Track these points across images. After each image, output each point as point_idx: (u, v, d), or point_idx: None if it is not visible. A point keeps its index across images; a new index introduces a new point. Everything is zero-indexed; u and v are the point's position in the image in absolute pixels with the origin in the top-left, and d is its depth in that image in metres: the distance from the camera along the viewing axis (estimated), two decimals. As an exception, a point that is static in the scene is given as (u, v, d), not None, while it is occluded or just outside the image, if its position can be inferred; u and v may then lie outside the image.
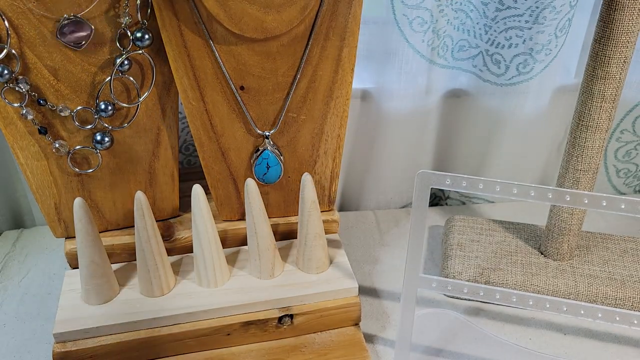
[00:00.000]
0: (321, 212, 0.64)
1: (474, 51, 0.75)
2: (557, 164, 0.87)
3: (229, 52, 0.54)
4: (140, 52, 0.53)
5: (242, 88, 0.56)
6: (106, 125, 0.55)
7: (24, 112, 0.52)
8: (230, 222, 0.64)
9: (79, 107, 0.54)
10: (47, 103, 0.52)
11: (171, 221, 0.65)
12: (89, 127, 0.55)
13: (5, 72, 0.50)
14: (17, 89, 0.51)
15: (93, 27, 0.51)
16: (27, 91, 0.51)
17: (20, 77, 0.51)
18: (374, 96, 0.77)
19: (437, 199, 0.90)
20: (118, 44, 0.52)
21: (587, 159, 0.63)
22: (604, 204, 0.46)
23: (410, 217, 0.63)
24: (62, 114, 0.53)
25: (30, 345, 0.62)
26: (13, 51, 0.50)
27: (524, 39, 0.71)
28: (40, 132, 0.54)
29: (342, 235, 0.79)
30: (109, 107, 0.54)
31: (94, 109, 0.54)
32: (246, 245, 0.61)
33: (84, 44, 0.51)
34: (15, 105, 0.52)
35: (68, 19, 0.50)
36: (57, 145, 0.55)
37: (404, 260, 0.53)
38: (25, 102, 0.52)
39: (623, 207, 0.46)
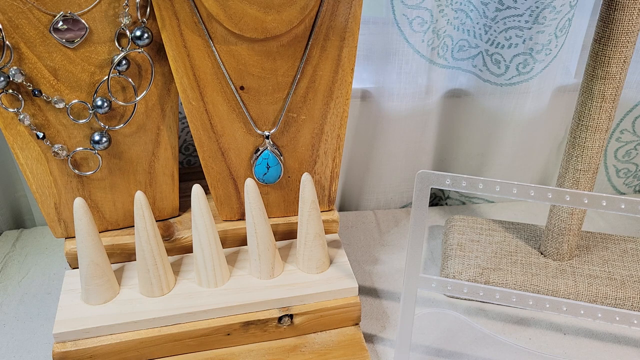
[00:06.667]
0: (321, 212, 0.64)
1: (474, 51, 0.75)
2: (557, 164, 0.87)
3: (229, 52, 0.54)
4: (140, 50, 0.53)
5: (242, 88, 0.56)
6: (103, 124, 0.56)
7: (21, 117, 0.53)
8: (230, 222, 0.64)
9: (74, 101, 0.54)
10: (42, 94, 0.52)
11: (171, 221, 0.65)
12: (84, 121, 0.55)
13: (2, 78, 0.50)
14: (14, 79, 0.51)
15: (88, 26, 0.51)
16: (23, 81, 0.51)
17: (15, 68, 0.51)
18: (374, 96, 0.77)
19: (437, 199, 0.90)
20: (117, 44, 0.52)
21: (587, 159, 0.63)
22: (604, 204, 0.46)
23: (410, 217, 0.63)
24: (57, 105, 0.53)
25: (30, 345, 0.62)
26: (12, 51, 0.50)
27: (524, 39, 0.71)
28: (38, 138, 0.54)
29: (342, 235, 0.79)
30: (105, 104, 0.54)
31: (90, 104, 0.54)
32: (246, 245, 0.61)
33: (78, 41, 0.51)
34: (12, 110, 0.52)
35: (65, 17, 0.50)
36: (56, 149, 0.55)
37: (404, 260, 0.53)
38: (22, 107, 0.52)
39: (623, 207, 0.46)
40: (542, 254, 0.71)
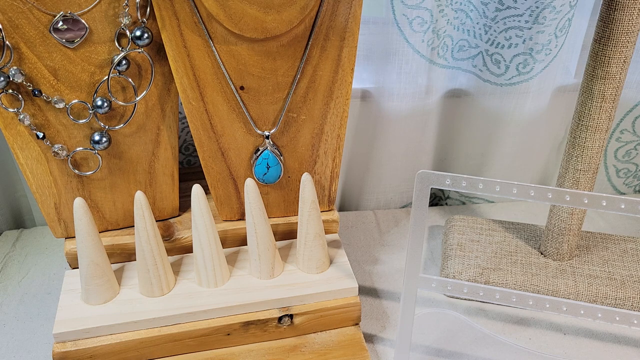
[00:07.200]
0: (321, 212, 0.64)
1: (474, 51, 0.75)
2: (557, 164, 0.87)
3: (229, 52, 0.54)
4: (140, 50, 0.53)
5: (242, 88, 0.56)
6: (103, 124, 0.56)
7: (21, 117, 0.53)
8: (230, 222, 0.64)
9: (74, 101, 0.54)
10: (42, 94, 0.52)
11: (171, 221, 0.65)
12: (84, 121, 0.55)
13: (2, 78, 0.50)
14: (14, 79, 0.51)
15: (88, 26, 0.51)
16: (23, 81, 0.51)
17: (15, 68, 0.51)
18: (374, 96, 0.77)
19: (437, 199, 0.90)
20: (117, 44, 0.52)
21: (587, 159, 0.63)
22: (604, 204, 0.46)
23: (410, 217, 0.63)
24: (57, 105, 0.53)
25: (30, 345, 0.62)
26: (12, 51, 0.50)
27: (524, 39, 0.71)
28: (38, 138, 0.54)
29: (342, 235, 0.79)
30: (105, 104, 0.54)
31: (90, 104, 0.54)
32: (246, 245, 0.61)
33: (78, 41, 0.51)
34: (12, 110, 0.52)
35: (65, 17, 0.50)
36: (56, 149, 0.55)
37: (404, 260, 0.53)
38: (22, 107, 0.52)
39: (623, 207, 0.46)
40: (542, 254, 0.71)
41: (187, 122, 0.76)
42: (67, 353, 0.55)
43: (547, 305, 0.53)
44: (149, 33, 0.52)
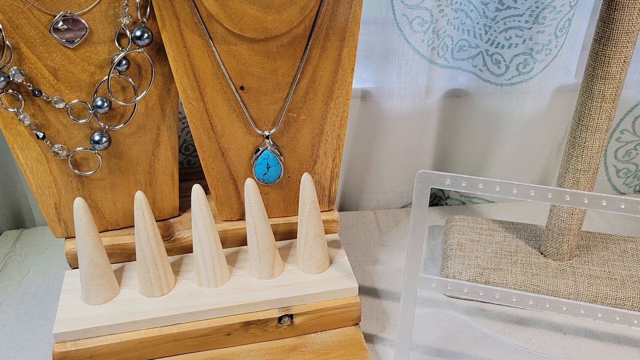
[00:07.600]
0: (321, 212, 0.64)
1: (474, 51, 0.75)
2: (557, 164, 0.87)
3: (229, 52, 0.54)
4: (140, 50, 0.53)
5: (242, 88, 0.56)
6: (103, 124, 0.56)
7: (21, 117, 0.53)
8: (230, 222, 0.64)
9: (74, 101, 0.54)
10: (42, 94, 0.52)
11: (171, 221, 0.65)
12: (84, 121, 0.55)
13: (2, 78, 0.50)
14: (14, 79, 0.51)
15: (88, 26, 0.51)
16: (23, 81, 0.51)
17: (15, 68, 0.51)
18: (374, 96, 0.77)
19: (437, 199, 0.90)
20: (117, 44, 0.53)
21: (587, 159, 0.63)
22: (604, 204, 0.46)
23: (410, 217, 0.63)
24: (57, 105, 0.53)
25: (30, 345, 0.62)
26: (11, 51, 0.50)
27: (524, 39, 0.71)
28: (38, 138, 0.54)
29: (342, 235, 0.79)
30: (105, 104, 0.54)
31: (90, 104, 0.54)
32: (246, 245, 0.61)
33: (78, 41, 0.51)
34: (12, 110, 0.52)
35: (65, 17, 0.50)
36: (56, 149, 0.55)
37: (404, 260, 0.53)
38: (22, 107, 0.52)
39: (623, 207, 0.46)
40: (542, 254, 0.71)
41: (187, 122, 0.76)
42: (67, 353, 0.55)
43: (547, 305, 0.53)
44: (149, 33, 0.52)
